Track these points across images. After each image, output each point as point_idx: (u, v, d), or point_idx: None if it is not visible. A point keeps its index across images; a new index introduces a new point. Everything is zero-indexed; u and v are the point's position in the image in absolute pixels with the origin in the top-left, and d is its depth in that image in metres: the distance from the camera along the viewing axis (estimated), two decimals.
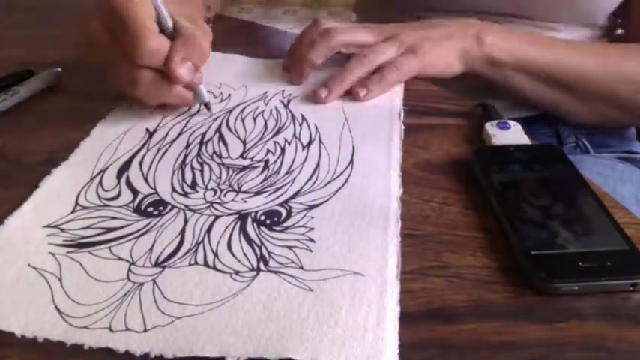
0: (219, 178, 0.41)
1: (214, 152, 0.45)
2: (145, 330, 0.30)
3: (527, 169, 0.42)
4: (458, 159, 0.45)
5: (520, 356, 0.29)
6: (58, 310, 0.31)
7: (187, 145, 0.45)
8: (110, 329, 0.30)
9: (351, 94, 0.51)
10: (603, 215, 0.37)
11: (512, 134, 0.46)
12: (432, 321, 0.31)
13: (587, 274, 0.33)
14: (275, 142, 0.46)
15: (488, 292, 0.33)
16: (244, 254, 0.35)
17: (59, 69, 0.56)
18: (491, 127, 0.46)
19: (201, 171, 0.42)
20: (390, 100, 0.51)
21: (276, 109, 0.50)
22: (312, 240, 0.36)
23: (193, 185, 0.41)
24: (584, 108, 0.60)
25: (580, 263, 0.33)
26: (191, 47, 0.45)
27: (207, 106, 0.49)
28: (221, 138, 0.46)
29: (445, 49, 0.53)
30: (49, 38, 0.67)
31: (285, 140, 0.46)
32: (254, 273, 0.33)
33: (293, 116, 0.49)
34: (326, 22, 0.55)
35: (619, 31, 0.70)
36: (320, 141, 0.46)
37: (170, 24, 0.45)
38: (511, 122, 0.47)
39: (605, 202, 0.38)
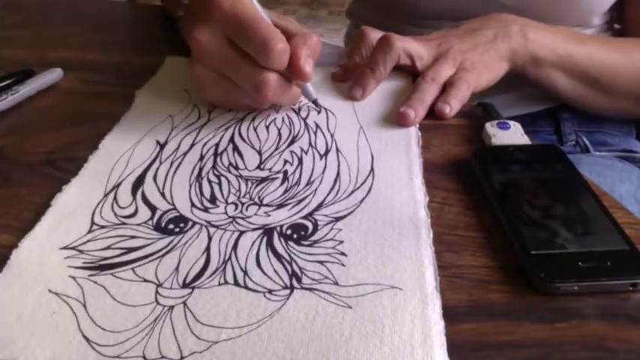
0: (239, 190, 0.40)
1: (230, 164, 0.43)
2: (182, 357, 0.29)
3: (527, 169, 0.42)
4: (458, 159, 0.45)
5: (520, 356, 0.29)
6: (86, 338, 0.30)
7: (201, 157, 0.44)
8: (144, 358, 0.29)
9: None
10: (603, 215, 0.37)
11: (512, 134, 0.46)
12: None
13: (587, 274, 0.33)
14: (291, 152, 0.45)
15: (489, 292, 0.33)
16: (275, 271, 0.34)
17: (59, 69, 0.57)
18: (491, 127, 0.46)
19: (219, 184, 0.41)
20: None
21: (288, 117, 0.49)
22: (343, 254, 0.35)
23: (213, 199, 0.40)
24: (608, 102, 0.60)
25: (580, 263, 0.33)
26: (310, 43, 0.45)
27: (315, 103, 0.49)
28: (235, 148, 0.45)
29: (492, 54, 0.53)
30: (49, 38, 0.67)
31: (302, 149, 0.45)
32: (288, 291, 0.32)
33: (306, 124, 0.48)
34: (372, 32, 0.55)
35: (616, 26, 0.70)
36: (337, 149, 0.45)
37: (271, 22, 0.44)
38: (511, 122, 0.47)
39: (605, 201, 0.38)
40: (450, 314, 0.31)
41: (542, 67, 0.55)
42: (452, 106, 0.49)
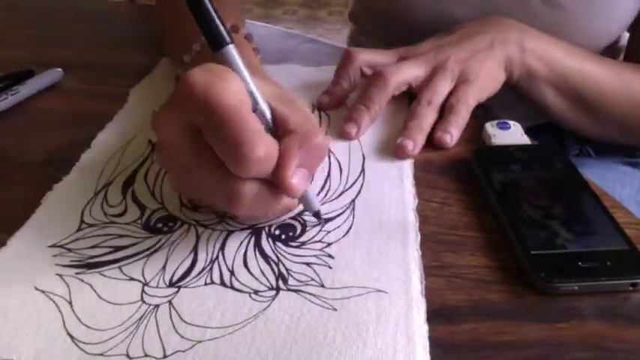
0: None
1: None
2: (165, 356, 0.29)
3: (527, 169, 0.42)
4: (458, 159, 0.45)
5: (520, 356, 0.29)
6: (71, 336, 0.30)
7: None
8: (128, 356, 0.29)
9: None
10: (603, 215, 0.37)
11: (512, 134, 0.46)
12: (432, 321, 0.31)
13: (587, 274, 0.33)
14: None
15: (488, 292, 0.33)
16: (262, 272, 0.34)
17: (59, 69, 0.57)
18: (491, 127, 0.46)
19: None
20: (397, 107, 0.50)
21: None
22: (330, 256, 0.35)
23: None
24: (595, 127, 0.57)
25: (580, 263, 0.33)
26: (307, 148, 0.33)
27: (317, 215, 0.38)
28: None
29: (492, 61, 0.50)
30: (49, 38, 0.67)
31: None
32: (274, 292, 0.32)
33: None
34: (359, 54, 0.51)
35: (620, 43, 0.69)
36: (328, 150, 0.45)
37: (269, 115, 0.34)
38: (511, 122, 0.47)
39: (605, 201, 0.38)
40: (450, 314, 0.31)
41: (535, 81, 0.52)
42: (452, 135, 0.46)
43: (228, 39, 0.33)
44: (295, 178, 0.32)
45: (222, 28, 0.33)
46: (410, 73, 0.49)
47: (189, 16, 0.33)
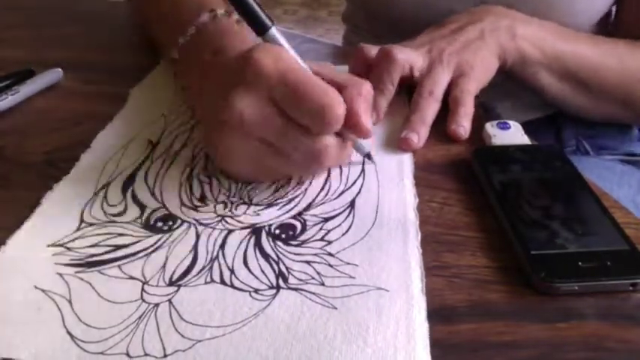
0: (229, 190, 0.40)
1: None
2: (165, 355, 0.29)
3: (527, 169, 0.42)
4: (458, 159, 0.45)
5: (520, 356, 0.29)
6: (70, 335, 0.30)
7: (193, 157, 0.44)
8: (128, 355, 0.29)
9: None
10: (603, 215, 0.37)
11: (512, 134, 0.46)
12: (432, 321, 0.31)
13: (587, 274, 0.33)
14: None
15: (488, 292, 0.33)
16: (262, 271, 0.34)
17: (59, 69, 0.57)
18: (491, 127, 0.46)
19: (210, 184, 0.41)
20: (396, 107, 0.50)
21: None
22: (330, 254, 0.35)
23: (202, 198, 0.40)
24: (594, 105, 0.58)
25: (580, 263, 0.33)
26: (366, 94, 0.39)
27: (369, 156, 0.42)
28: None
29: (484, 50, 0.51)
30: (49, 38, 0.67)
31: None
32: (274, 291, 0.32)
33: None
34: (371, 49, 0.51)
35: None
36: None
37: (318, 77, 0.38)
38: (511, 122, 0.47)
39: (605, 201, 0.38)
40: (450, 314, 0.31)
41: (528, 66, 0.53)
42: (465, 127, 0.46)
43: (269, 23, 0.39)
44: (370, 124, 0.38)
45: (263, 15, 0.39)
46: (413, 55, 0.50)
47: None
